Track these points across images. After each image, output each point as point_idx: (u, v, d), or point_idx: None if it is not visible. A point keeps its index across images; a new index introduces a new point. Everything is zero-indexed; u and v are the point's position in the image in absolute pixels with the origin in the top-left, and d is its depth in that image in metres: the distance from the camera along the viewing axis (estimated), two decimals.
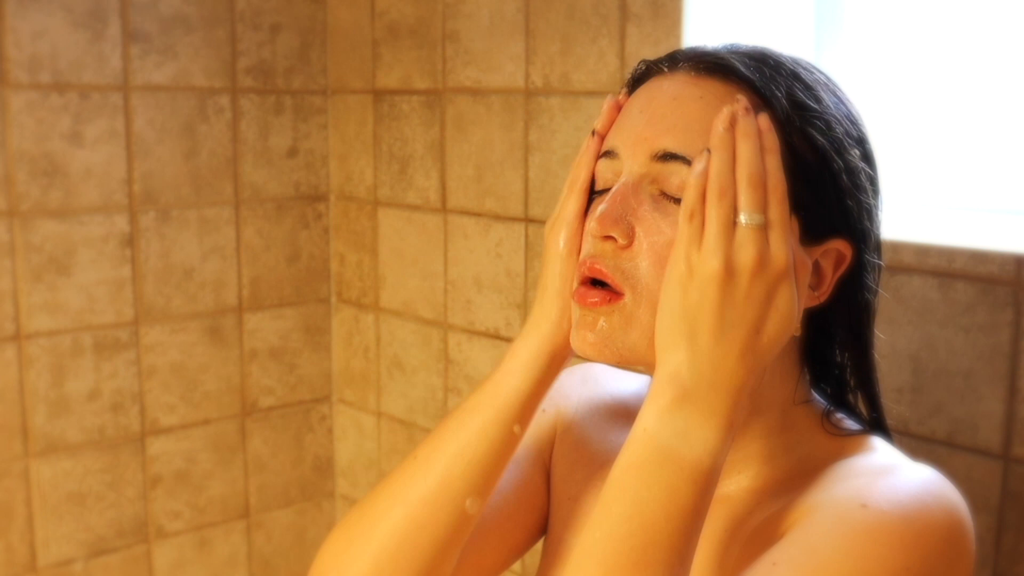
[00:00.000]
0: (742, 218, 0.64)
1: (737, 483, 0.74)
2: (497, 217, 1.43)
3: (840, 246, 0.70)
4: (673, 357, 0.64)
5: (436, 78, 1.49)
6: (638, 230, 0.68)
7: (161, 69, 1.49)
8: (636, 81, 0.76)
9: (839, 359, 0.76)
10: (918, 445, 1.02)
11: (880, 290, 0.77)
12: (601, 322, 0.69)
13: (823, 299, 0.71)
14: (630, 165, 0.70)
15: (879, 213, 0.74)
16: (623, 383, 0.88)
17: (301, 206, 1.68)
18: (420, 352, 1.59)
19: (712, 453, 0.62)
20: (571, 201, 0.73)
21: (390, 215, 1.61)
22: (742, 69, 0.70)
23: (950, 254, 0.98)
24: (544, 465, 0.85)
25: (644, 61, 0.76)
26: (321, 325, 1.73)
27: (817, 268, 0.70)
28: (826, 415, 0.75)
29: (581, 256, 0.72)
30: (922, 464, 0.69)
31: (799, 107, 0.69)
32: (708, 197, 0.65)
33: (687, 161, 0.68)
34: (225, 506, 1.65)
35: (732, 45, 0.74)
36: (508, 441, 0.75)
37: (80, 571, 1.52)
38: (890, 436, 0.77)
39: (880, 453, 0.72)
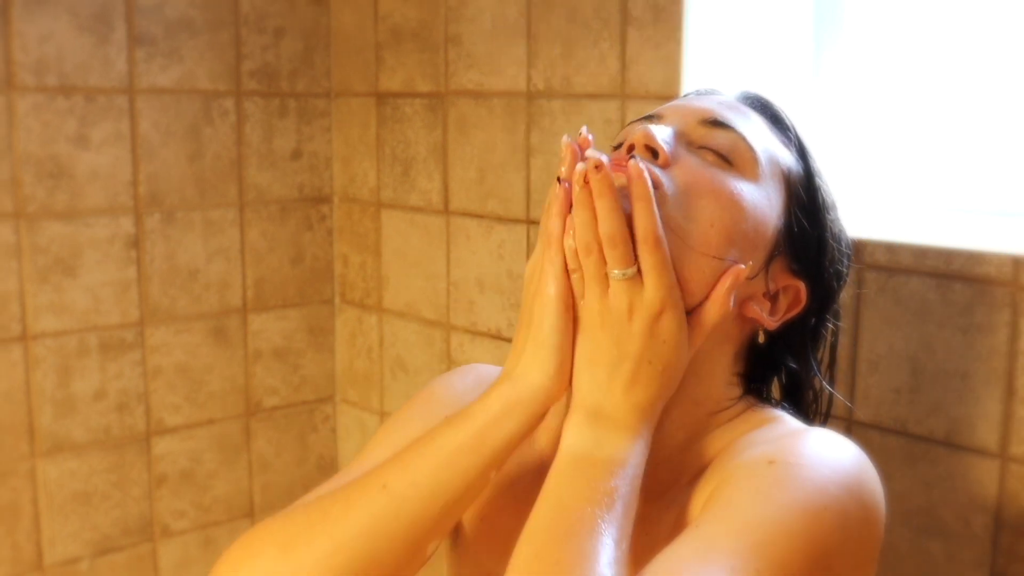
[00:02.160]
0: (612, 271, 0.67)
1: (666, 480, 0.76)
2: (499, 219, 1.43)
3: (801, 289, 0.77)
4: (580, 388, 0.69)
5: (438, 81, 1.50)
6: (671, 161, 0.71)
7: (166, 72, 1.50)
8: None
9: (777, 379, 0.83)
10: (916, 444, 1.02)
11: (833, 354, 0.85)
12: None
13: (774, 326, 0.77)
14: (676, 124, 0.75)
15: (843, 284, 0.82)
16: None
17: (305, 208, 1.69)
18: (423, 353, 1.60)
19: (624, 452, 0.67)
20: (555, 255, 0.70)
21: (393, 217, 1.61)
22: (784, 113, 0.80)
23: (948, 255, 0.98)
24: None
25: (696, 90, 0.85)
26: (325, 326, 1.74)
27: (776, 297, 0.77)
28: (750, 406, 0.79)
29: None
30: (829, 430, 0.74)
31: (811, 159, 0.79)
32: (580, 253, 0.68)
33: (736, 131, 0.74)
34: (229, 505, 1.66)
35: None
36: (483, 488, 0.72)
37: (86, 570, 1.53)
38: None
39: (788, 422, 0.76)
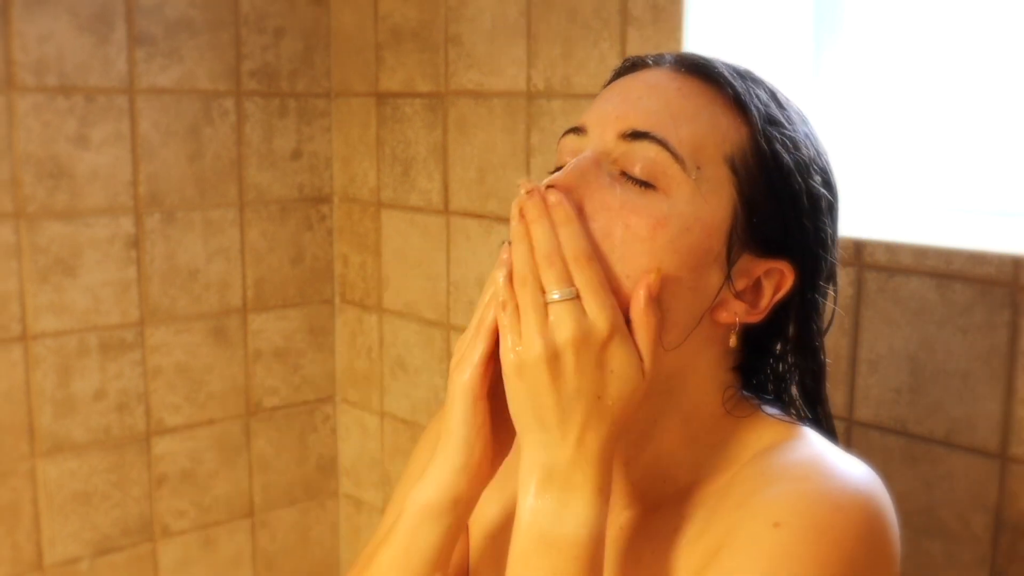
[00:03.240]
0: (551, 295, 0.64)
1: (664, 492, 0.73)
2: (499, 219, 1.43)
3: (784, 268, 0.70)
4: (529, 442, 0.65)
5: (439, 81, 1.50)
6: (587, 207, 0.68)
7: (166, 72, 1.50)
8: (619, 76, 0.76)
9: (775, 373, 0.76)
10: (916, 445, 1.02)
11: (830, 323, 0.77)
12: None
13: (760, 318, 0.71)
14: (596, 142, 0.70)
15: (835, 243, 0.74)
16: None
17: (305, 208, 1.69)
18: (423, 352, 1.60)
19: (587, 525, 0.64)
20: (478, 342, 0.69)
21: (393, 217, 1.61)
22: (724, 74, 0.71)
23: (948, 255, 0.98)
24: None
25: (630, 58, 0.77)
26: (325, 326, 1.74)
27: (758, 285, 0.71)
28: (754, 414, 0.74)
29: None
30: (844, 455, 0.69)
31: (771, 121, 0.70)
32: (515, 286, 0.65)
33: (656, 139, 0.68)
34: (230, 505, 1.66)
35: (719, 59, 0.74)
36: None
37: (86, 570, 1.53)
38: (835, 439, 0.75)
39: (803, 443, 0.70)
